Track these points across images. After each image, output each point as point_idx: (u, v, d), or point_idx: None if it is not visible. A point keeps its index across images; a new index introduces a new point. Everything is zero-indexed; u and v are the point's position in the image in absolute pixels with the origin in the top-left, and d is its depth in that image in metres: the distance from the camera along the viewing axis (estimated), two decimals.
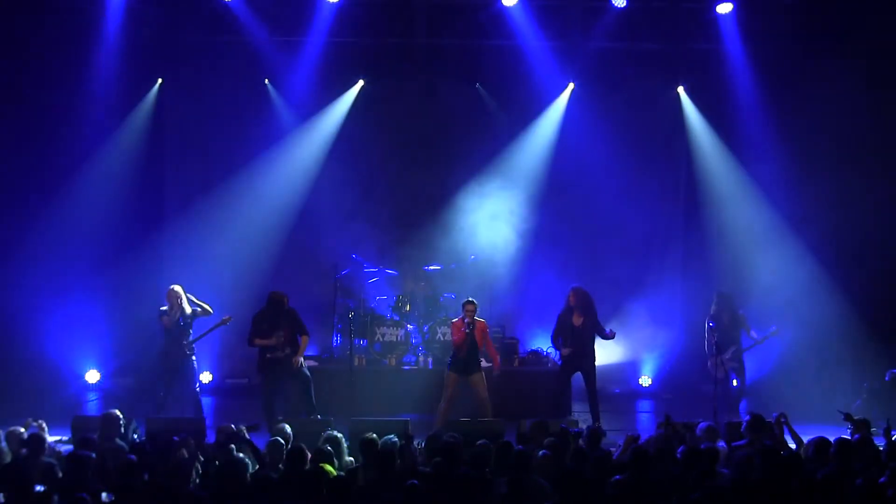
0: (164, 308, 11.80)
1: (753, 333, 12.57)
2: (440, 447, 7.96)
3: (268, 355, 11.57)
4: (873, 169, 13.98)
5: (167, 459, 7.74)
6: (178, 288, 11.82)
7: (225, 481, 7.07)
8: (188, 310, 11.80)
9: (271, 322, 11.60)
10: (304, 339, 11.71)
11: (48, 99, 13.77)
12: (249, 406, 12.71)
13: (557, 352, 12.36)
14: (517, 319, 15.07)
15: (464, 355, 11.73)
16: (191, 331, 11.81)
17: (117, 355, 14.47)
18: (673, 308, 15.17)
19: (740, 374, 12.57)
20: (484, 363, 12.26)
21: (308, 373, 11.76)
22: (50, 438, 8.86)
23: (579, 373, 12.15)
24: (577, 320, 12.04)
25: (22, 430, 8.70)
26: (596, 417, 11.82)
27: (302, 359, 11.68)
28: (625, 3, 13.87)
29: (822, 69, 13.95)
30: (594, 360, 12.10)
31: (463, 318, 11.76)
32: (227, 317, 11.91)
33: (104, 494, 7.03)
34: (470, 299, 11.91)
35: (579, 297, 12.09)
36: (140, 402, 12.09)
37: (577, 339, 12.00)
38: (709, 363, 12.45)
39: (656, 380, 15.10)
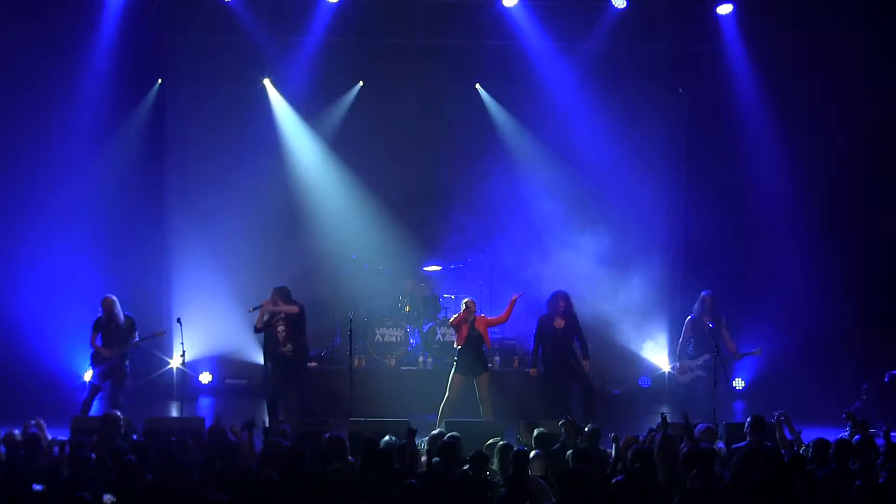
0: (100, 316, 11.83)
1: (733, 346, 12.24)
2: (439, 447, 7.96)
3: (277, 349, 11.66)
4: (876, 170, 13.97)
5: (168, 459, 7.73)
6: (113, 298, 11.86)
7: (227, 482, 7.06)
8: (122, 318, 11.82)
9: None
10: (290, 308, 11.76)
11: (48, 99, 13.76)
12: (249, 406, 12.71)
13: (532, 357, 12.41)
14: (517, 320, 15.00)
15: (469, 354, 11.70)
16: (126, 337, 11.81)
17: None
18: (673, 308, 15.15)
19: (705, 384, 12.14)
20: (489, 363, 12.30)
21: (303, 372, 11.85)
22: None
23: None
24: (559, 323, 12.19)
25: (17, 433, 8.70)
26: (591, 415, 11.76)
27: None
28: (625, 4, 13.86)
29: (822, 69, 13.94)
30: (578, 359, 12.21)
31: (465, 317, 11.77)
32: (159, 332, 12.03)
33: (106, 496, 7.02)
34: (469, 299, 11.99)
35: (568, 301, 12.27)
36: (137, 402, 12.08)
37: (559, 342, 12.16)
38: (677, 365, 12.33)
39: (656, 380, 15.07)
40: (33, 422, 8.90)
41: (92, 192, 14.08)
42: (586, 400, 12.10)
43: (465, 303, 11.88)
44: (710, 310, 12.35)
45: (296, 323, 11.77)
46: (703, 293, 12.56)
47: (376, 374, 13.46)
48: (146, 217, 14.58)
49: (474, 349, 11.76)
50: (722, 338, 12.27)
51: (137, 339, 11.83)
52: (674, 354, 14.87)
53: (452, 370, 11.81)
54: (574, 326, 12.30)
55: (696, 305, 12.69)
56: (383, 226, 14.81)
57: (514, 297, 11.96)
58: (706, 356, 12.07)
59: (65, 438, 8.82)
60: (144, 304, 13.42)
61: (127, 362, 11.83)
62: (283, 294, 11.84)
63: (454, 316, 11.95)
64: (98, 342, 11.77)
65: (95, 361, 11.81)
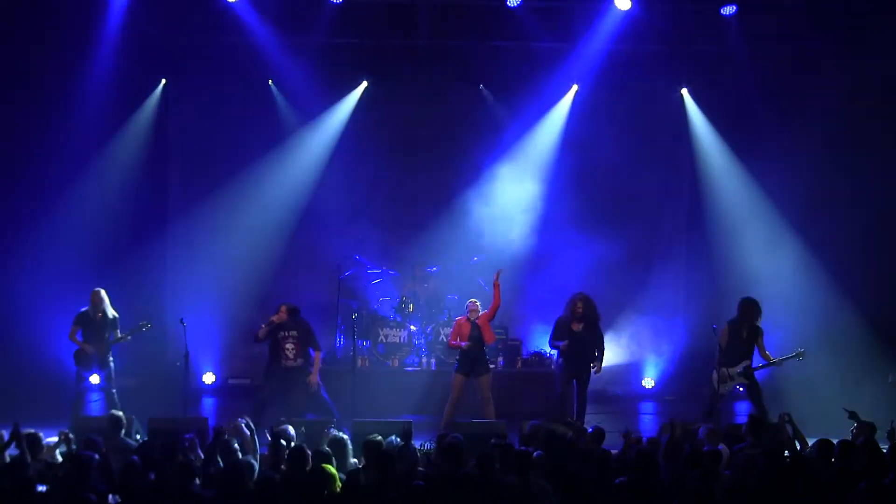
0: (86, 309, 11.80)
1: (767, 353, 11.68)
2: (441, 448, 7.96)
3: (284, 364, 11.61)
4: (878, 170, 13.95)
5: (172, 459, 7.74)
6: (102, 292, 11.80)
7: (229, 482, 7.06)
8: (110, 313, 11.79)
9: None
10: (316, 356, 11.74)
11: (51, 100, 13.77)
12: (252, 406, 12.69)
13: (556, 353, 11.99)
14: (520, 321, 15.08)
15: (471, 354, 11.64)
16: (109, 333, 11.79)
17: (119, 356, 14.44)
18: (676, 309, 15.15)
19: (754, 392, 11.63)
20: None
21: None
22: (50, 440, 8.84)
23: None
24: (576, 326, 11.78)
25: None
26: (580, 420, 11.52)
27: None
28: (629, 6, 13.85)
29: (825, 69, 13.93)
30: (590, 366, 11.81)
31: (467, 318, 11.74)
32: (145, 323, 11.93)
33: (111, 496, 7.02)
34: (473, 300, 11.92)
35: (587, 304, 11.81)
36: (140, 402, 12.06)
37: (577, 344, 11.73)
38: (715, 376, 11.61)
39: (659, 381, 15.08)
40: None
41: (95, 192, 14.09)
42: (580, 404, 11.80)
43: (469, 306, 11.86)
44: (750, 316, 11.64)
45: (305, 340, 11.73)
46: (744, 297, 11.86)
47: (380, 374, 13.47)
48: (149, 217, 14.59)
49: (476, 349, 11.72)
50: (756, 345, 11.69)
51: (121, 335, 11.76)
52: (675, 354, 14.95)
53: (454, 371, 11.79)
54: (593, 332, 11.80)
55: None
56: (387, 226, 14.82)
57: (495, 279, 11.85)
58: (745, 363, 11.59)
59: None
60: (147, 304, 13.41)
61: (110, 357, 11.77)
62: (292, 312, 11.75)
63: (451, 332, 11.88)
64: (79, 337, 11.72)
65: (79, 360, 11.74)
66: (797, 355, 11.56)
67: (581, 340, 11.75)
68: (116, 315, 11.89)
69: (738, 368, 11.65)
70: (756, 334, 11.71)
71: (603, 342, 11.99)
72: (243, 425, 8.75)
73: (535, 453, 8.01)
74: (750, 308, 11.72)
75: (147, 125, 14.59)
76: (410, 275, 14.62)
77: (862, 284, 14.00)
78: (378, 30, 14.46)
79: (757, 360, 11.78)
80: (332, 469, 7.56)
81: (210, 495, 6.93)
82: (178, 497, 6.85)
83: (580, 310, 11.78)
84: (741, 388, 12.02)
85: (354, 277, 14.66)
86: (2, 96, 13.69)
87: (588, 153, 14.76)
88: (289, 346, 11.68)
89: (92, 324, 11.76)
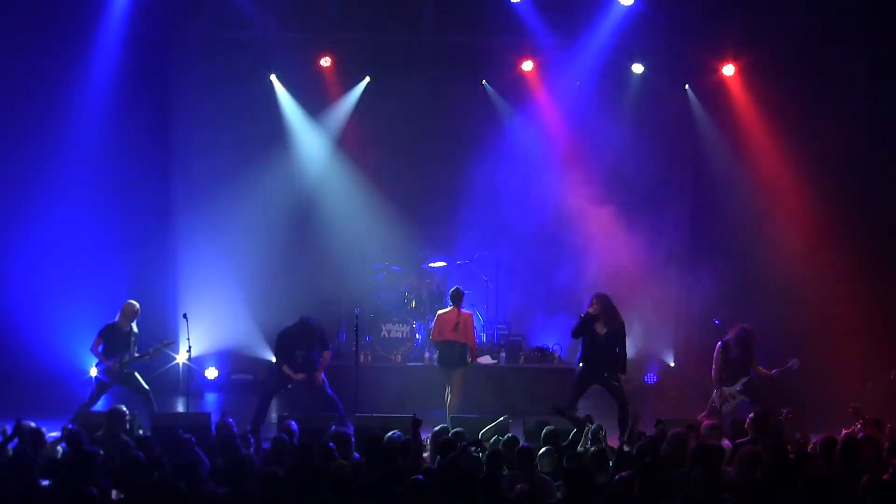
0: (111, 323, 11.54)
1: (762, 369, 11.54)
2: (438, 444, 7.97)
3: (289, 384, 11.58)
4: (881, 165, 13.94)
5: (174, 456, 7.75)
6: (137, 305, 11.64)
7: (233, 478, 7.08)
8: (135, 328, 11.63)
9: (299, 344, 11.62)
10: (325, 354, 11.64)
11: (54, 95, 13.78)
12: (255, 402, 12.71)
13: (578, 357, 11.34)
14: (522, 316, 15.06)
15: (448, 348, 11.61)
16: (131, 349, 11.56)
17: None
18: (679, 305, 15.15)
19: (759, 402, 11.30)
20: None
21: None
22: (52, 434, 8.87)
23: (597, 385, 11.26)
24: (600, 329, 11.06)
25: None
26: (623, 438, 10.17)
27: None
28: (632, 1, 13.83)
29: (827, 66, 13.91)
30: (617, 374, 11.12)
31: (457, 310, 11.67)
32: (168, 341, 11.85)
33: (114, 492, 7.04)
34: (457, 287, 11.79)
35: (603, 304, 11.14)
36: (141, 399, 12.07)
37: (600, 349, 11.05)
38: (716, 395, 11.46)
39: (660, 377, 15.08)
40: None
41: (99, 188, 14.10)
42: (621, 421, 10.73)
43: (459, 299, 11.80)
44: (748, 341, 11.54)
45: (311, 348, 11.64)
46: (744, 324, 11.72)
47: (382, 369, 13.49)
48: (153, 213, 14.57)
49: (454, 344, 11.63)
50: (750, 364, 11.55)
51: (138, 353, 11.52)
52: (676, 351, 14.96)
53: (437, 365, 11.73)
54: (616, 335, 11.09)
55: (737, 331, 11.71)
56: (389, 222, 14.82)
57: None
58: (743, 380, 11.48)
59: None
60: (151, 300, 13.39)
61: (135, 372, 11.60)
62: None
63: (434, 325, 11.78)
64: (100, 349, 11.46)
65: (108, 374, 11.47)
66: (792, 366, 11.54)
67: (603, 345, 11.05)
68: (137, 332, 11.66)
69: (737, 386, 11.55)
70: (750, 355, 11.61)
71: (623, 342, 11.21)
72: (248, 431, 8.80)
73: (543, 448, 8.04)
74: (748, 336, 11.61)
75: (151, 120, 14.55)
76: (413, 270, 14.62)
77: (866, 280, 13.98)
78: (381, 25, 14.45)
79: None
80: (346, 464, 7.57)
81: (214, 491, 6.93)
82: (181, 493, 6.86)
83: (596, 310, 11.10)
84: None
85: (357, 273, 14.65)
86: (3, 95, 13.67)
87: (590, 149, 14.75)
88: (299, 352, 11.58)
89: (117, 338, 11.47)
